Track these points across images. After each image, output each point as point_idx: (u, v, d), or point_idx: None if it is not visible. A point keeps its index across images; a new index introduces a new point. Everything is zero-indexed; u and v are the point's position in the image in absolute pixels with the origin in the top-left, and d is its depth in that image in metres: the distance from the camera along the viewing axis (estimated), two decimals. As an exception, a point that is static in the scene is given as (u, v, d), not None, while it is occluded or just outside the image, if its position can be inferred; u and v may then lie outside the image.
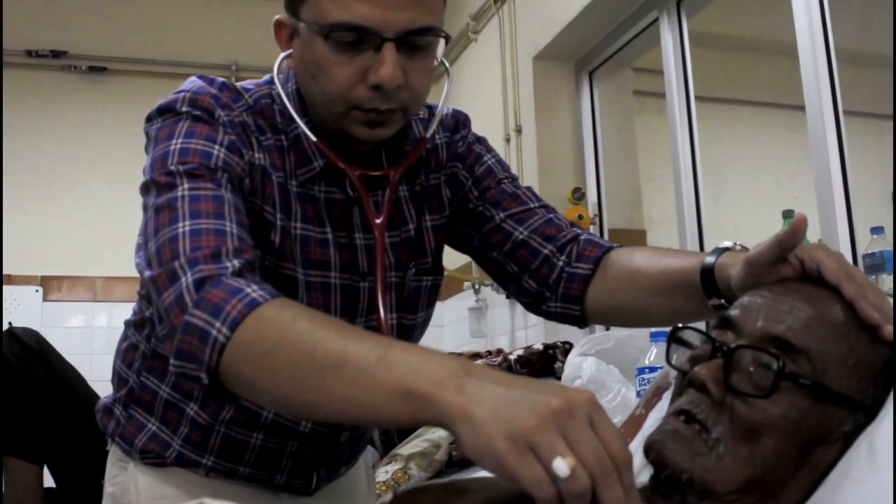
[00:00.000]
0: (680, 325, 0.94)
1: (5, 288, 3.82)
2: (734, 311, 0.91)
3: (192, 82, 1.19)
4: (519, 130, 3.44)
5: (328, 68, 1.09)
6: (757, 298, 0.91)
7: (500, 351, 3.10)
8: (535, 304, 1.33)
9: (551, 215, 1.33)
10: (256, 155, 1.17)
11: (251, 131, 1.18)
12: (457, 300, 3.99)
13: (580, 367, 1.86)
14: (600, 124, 3.42)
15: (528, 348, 2.85)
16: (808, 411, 0.84)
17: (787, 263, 0.94)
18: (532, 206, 1.33)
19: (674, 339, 0.95)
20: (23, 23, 4.02)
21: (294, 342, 0.87)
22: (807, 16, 2.23)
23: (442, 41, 1.13)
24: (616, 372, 1.80)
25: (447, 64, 1.27)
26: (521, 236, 1.30)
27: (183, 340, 0.95)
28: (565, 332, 2.85)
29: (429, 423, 0.76)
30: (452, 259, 3.67)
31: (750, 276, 0.96)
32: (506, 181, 1.35)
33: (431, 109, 1.35)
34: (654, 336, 1.76)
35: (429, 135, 1.27)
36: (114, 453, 1.35)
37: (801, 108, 2.27)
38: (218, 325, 0.92)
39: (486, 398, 0.71)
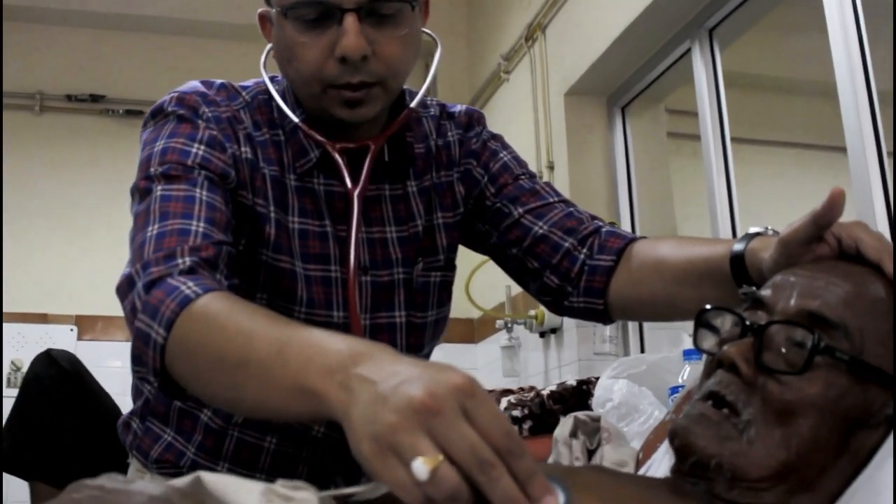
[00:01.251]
0: (708, 306, 0.88)
1: (41, 327, 3.83)
2: (766, 291, 0.86)
3: (188, 83, 1.21)
4: (551, 167, 3.40)
5: (297, 49, 1.10)
6: (790, 277, 0.85)
7: (532, 388, 3.03)
8: (557, 302, 1.28)
9: (571, 209, 1.29)
10: (243, 149, 1.16)
11: (241, 126, 1.18)
12: (489, 343, 3.93)
13: (611, 390, 1.79)
14: (634, 160, 3.37)
15: (561, 384, 2.78)
16: (847, 390, 0.77)
17: (823, 242, 0.88)
18: (551, 200, 1.29)
19: (702, 323, 0.89)
20: (63, 69, 4.08)
21: (211, 341, 0.87)
22: (846, 56, 2.17)
23: (418, 11, 1.12)
24: (649, 394, 1.73)
25: (434, 36, 1.24)
26: (540, 231, 1.26)
27: (134, 345, 0.96)
28: (599, 367, 2.77)
29: (327, 419, 0.71)
30: (486, 298, 3.66)
31: (783, 256, 0.90)
32: (523, 177, 1.31)
33: (445, 108, 1.34)
34: (687, 354, 1.69)
35: (414, 104, 1.23)
36: (132, 466, 1.34)
37: (843, 149, 2.21)
38: (156, 326, 0.93)
39: (363, 395, 0.65)
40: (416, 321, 1.27)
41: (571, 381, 2.75)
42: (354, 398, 0.66)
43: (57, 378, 2.32)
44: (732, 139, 2.80)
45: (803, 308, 0.80)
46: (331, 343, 0.73)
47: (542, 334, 3.37)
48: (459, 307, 4.07)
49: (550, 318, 3.27)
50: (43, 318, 3.85)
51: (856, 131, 2.13)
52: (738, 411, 0.79)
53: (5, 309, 3.83)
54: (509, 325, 3.50)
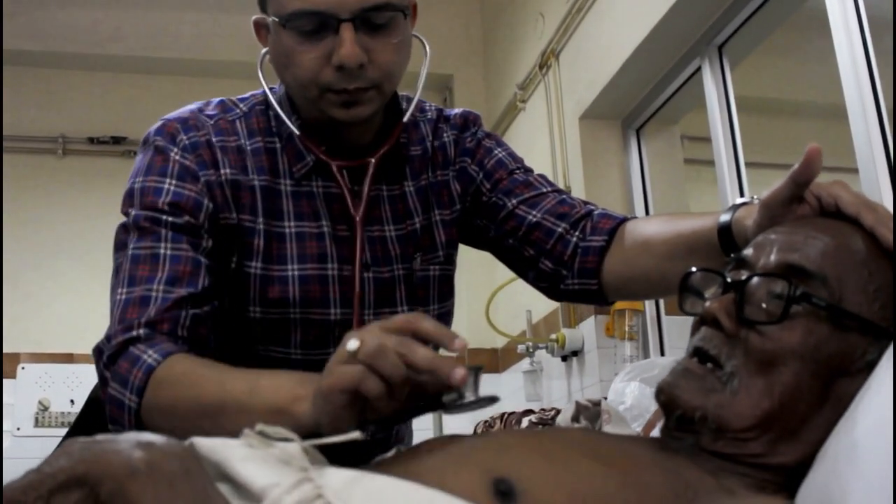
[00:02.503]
0: (693, 269, 0.89)
1: (67, 366, 3.87)
2: (748, 251, 0.87)
3: (184, 107, 1.29)
4: (568, 191, 3.41)
5: (295, 56, 1.13)
6: (771, 235, 0.86)
7: (553, 408, 3.02)
8: (553, 287, 1.30)
9: (564, 196, 1.31)
10: (223, 171, 1.21)
11: (231, 139, 1.23)
12: (513, 371, 3.92)
13: (623, 393, 1.79)
14: (650, 182, 3.38)
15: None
16: (827, 338, 0.78)
17: (804, 203, 0.89)
18: (545, 189, 1.31)
19: (687, 287, 0.90)
20: (85, 112, 4.16)
21: (184, 396, 1.00)
22: (854, 77, 2.17)
23: (408, 18, 1.16)
24: (661, 396, 1.72)
25: (423, 40, 1.27)
26: (534, 219, 1.28)
27: (110, 409, 1.07)
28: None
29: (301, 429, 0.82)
30: (508, 327, 3.66)
31: (766, 219, 0.91)
32: (518, 171, 1.34)
33: (441, 112, 1.37)
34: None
35: (406, 119, 1.26)
36: None
37: (855, 170, 2.20)
38: (128, 394, 1.05)
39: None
40: None
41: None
42: (313, 410, 0.86)
43: None
44: (747, 164, 2.81)
45: (782, 261, 0.81)
46: (290, 375, 0.95)
47: (564, 358, 3.36)
48: (482, 337, 4.12)
49: (572, 341, 3.26)
50: (69, 358, 3.89)
51: (867, 151, 2.12)
52: (721, 364, 0.80)
53: (31, 350, 3.89)
54: (531, 350, 3.49)
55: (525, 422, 2.65)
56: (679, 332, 3.11)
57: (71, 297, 3.96)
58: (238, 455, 0.71)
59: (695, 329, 0.85)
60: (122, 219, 1.19)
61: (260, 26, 1.23)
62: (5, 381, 3.77)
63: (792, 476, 0.78)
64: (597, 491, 0.69)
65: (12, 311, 3.82)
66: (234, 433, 0.82)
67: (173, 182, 1.18)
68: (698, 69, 2.91)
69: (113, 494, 0.61)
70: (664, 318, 3.14)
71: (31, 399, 3.79)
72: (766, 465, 0.78)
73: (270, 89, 1.26)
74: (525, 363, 3.57)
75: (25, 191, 4.02)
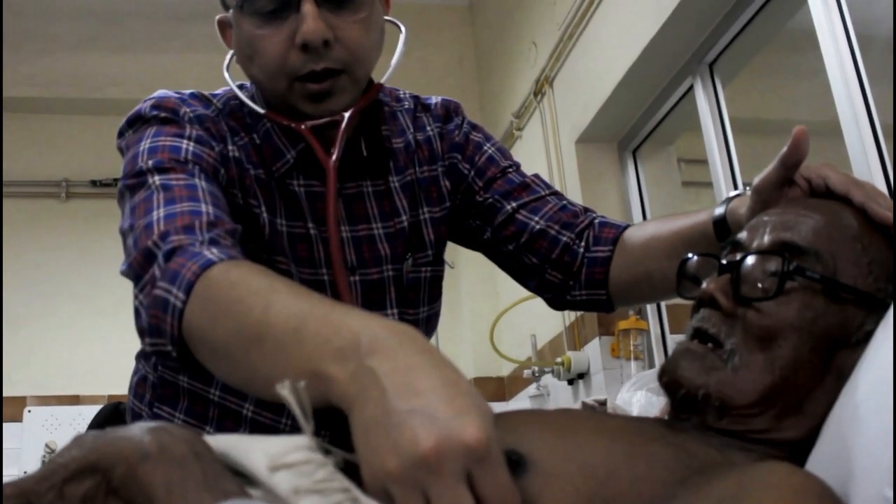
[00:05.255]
0: (689, 255, 0.91)
1: (74, 408, 3.86)
2: (742, 234, 0.88)
3: (158, 91, 1.18)
4: (569, 215, 3.43)
5: (258, 43, 1.08)
6: (763, 217, 0.88)
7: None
8: (559, 297, 1.29)
9: (564, 202, 1.30)
10: (230, 147, 1.14)
11: (222, 128, 1.16)
12: (519, 399, 3.91)
13: (630, 403, 1.78)
14: (648, 203, 3.40)
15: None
16: (824, 311, 0.79)
17: (794, 185, 0.91)
18: (543, 193, 1.30)
19: (684, 274, 0.92)
20: (87, 155, 4.19)
21: (229, 310, 0.81)
22: (846, 93, 2.19)
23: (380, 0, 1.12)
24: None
25: (397, 22, 1.23)
26: (537, 226, 1.26)
27: (151, 315, 0.90)
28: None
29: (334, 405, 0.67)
30: (514, 352, 3.66)
31: (758, 204, 0.93)
32: (511, 170, 1.31)
33: (419, 100, 1.32)
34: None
35: (384, 80, 1.20)
36: None
37: None
38: (175, 290, 0.87)
39: (370, 402, 0.62)
40: (409, 318, 1.25)
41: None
42: (362, 398, 0.63)
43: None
44: (745, 184, 2.82)
45: (776, 240, 0.83)
46: (349, 322, 0.70)
47: (570, 381, 3.36)
48: (488, 365, 4.11)
49: (577, 363, 3.26)
50: (75, 400, 3.89)
51: (863, 166, 2.13)
52: (721, 342, 0.81)
53: (38, 393, 3.89)
54: (537, 375, 3.49)
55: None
56: (684, 350, 3.10)
57: (76, 340, 3.97)
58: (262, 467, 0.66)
59: (693, 312, 0.87)
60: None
61: (224, 26, 1.18)
62: (12, 426, 3.77)
63: (798, 451, 0.78)
64: (605, 461, 0.70)
65: (17, 355, 3.83)
66: (265, 379, 0.73)
67: (192, 144, 1.08)
68: (690, 88, 2.95)
69: (125, 478, 0.62)
70: (668, 336, 3.14)
71: (37, 442, 3.77)
72: (771, 441, 0.79)
73: (240, 86, 1.20)
74: (532, 388, 3.57)
75: (29, 235, 4.05)
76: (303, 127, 1.12)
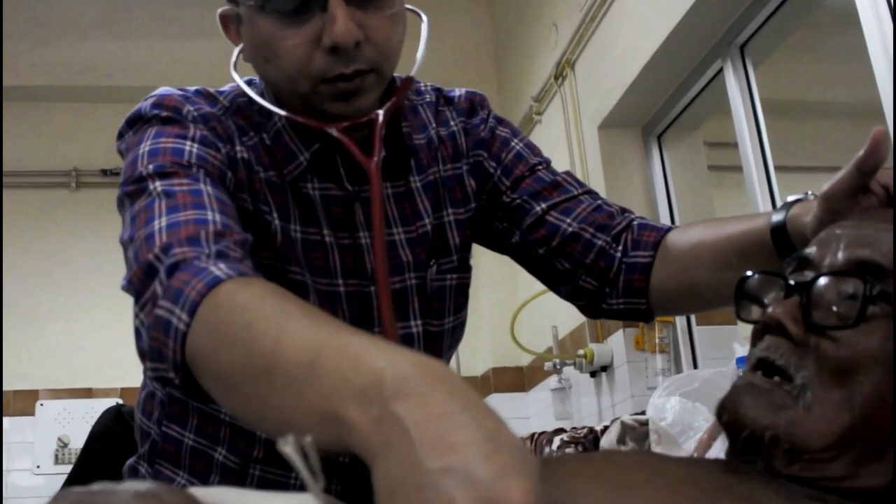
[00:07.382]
0: (749, 272, 0.81)
1: (86, 402, 3.81)
2: (810, 249, 0.78)
3: (162, 88, 1.09)
4: (591, 202, 3.34)
5: (278, 45, 0.99)
6: (835, 230, 0.78)
7: (585, 427, 2.92)
8: (593, 305, 1.19)
9: (599, 201, 1.19)
10: (237, 148, 1.06)
11: (229, 127, 1.08)
12: (540, 389, 3.83)
13: (664, 409, 1.69)
14: (674, 189, 3.29)
15: (616, 420, 2.68)
16: (909, 342, 0.69)
17: (869, 193, 0.81)
18: (576, 192, 1.19)
19: (743, 294, 0.82)
20: (96, 144, 4.12)
21: (237, 336, 0.73)
22: (889, 72, 2.07)
23: None
24: (704, 410, 1.62)
25: (419, 12, 1.15)
26: (570, 228, 1.16)
27: (152, 337, 0.82)
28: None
29: (354, 452, 0.58)
30: (534, 343, 3.57)
31: (827, 213, 0.82)
32: (540, 168, 1.21)
33: (441, 92, 1.24)
34: (740, 362, 1.59)
35: (414, 72, 1.12)
36: None
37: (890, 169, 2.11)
38: (178, 311, 0.79)
39: (396, 456, 0.53)
40: (433, 330, 1.16)
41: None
42: (387, 451, 0.54)
43: (122, 436, 2.28)
44: (776, 168, 2.72)
45: (852, 258, 0.73)
46: (371, 358, 0.60)
47: (593, 374, 3.27)
48: (508, 355, 4.03)
49: (600, 356, 3.17)
50: (88, 393, 3.84)
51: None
52: (790, 376, 0.71)
53: (51, 386, 3.84)
54: (558, 367, 3.40)
55: (556, 441, 2.56)
56: (711, 343, 3.02)
57: (88, 331, 3.92)
58: None
59: (755, 339, 0.77)
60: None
61: (228, 20, 1.08)
62: (25, 419, 3.73)
63: (878, 501, 0.69)
64: None
65: (29, 348, 3.79)
66: (275, 418, 0.67)
67: (195, 145, 1.00)
68: (720, 71, 2.84)
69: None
70: (695, 328, 3.05)
71: (50, 436, 3.74)
72: (848, 490, 0.69)
73: (248, 82, 1.11)
74: (553, 380, 3.48)
75: (39, 225, 4.01)
76: (334, 131, 1.04)
